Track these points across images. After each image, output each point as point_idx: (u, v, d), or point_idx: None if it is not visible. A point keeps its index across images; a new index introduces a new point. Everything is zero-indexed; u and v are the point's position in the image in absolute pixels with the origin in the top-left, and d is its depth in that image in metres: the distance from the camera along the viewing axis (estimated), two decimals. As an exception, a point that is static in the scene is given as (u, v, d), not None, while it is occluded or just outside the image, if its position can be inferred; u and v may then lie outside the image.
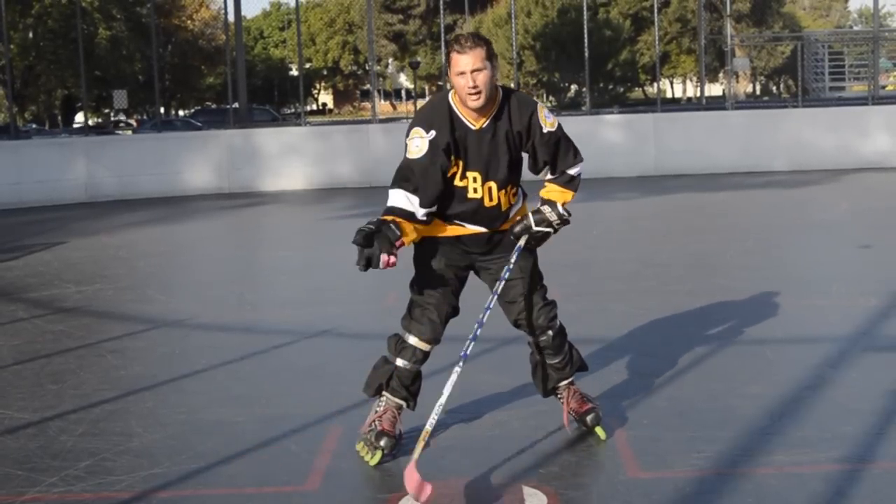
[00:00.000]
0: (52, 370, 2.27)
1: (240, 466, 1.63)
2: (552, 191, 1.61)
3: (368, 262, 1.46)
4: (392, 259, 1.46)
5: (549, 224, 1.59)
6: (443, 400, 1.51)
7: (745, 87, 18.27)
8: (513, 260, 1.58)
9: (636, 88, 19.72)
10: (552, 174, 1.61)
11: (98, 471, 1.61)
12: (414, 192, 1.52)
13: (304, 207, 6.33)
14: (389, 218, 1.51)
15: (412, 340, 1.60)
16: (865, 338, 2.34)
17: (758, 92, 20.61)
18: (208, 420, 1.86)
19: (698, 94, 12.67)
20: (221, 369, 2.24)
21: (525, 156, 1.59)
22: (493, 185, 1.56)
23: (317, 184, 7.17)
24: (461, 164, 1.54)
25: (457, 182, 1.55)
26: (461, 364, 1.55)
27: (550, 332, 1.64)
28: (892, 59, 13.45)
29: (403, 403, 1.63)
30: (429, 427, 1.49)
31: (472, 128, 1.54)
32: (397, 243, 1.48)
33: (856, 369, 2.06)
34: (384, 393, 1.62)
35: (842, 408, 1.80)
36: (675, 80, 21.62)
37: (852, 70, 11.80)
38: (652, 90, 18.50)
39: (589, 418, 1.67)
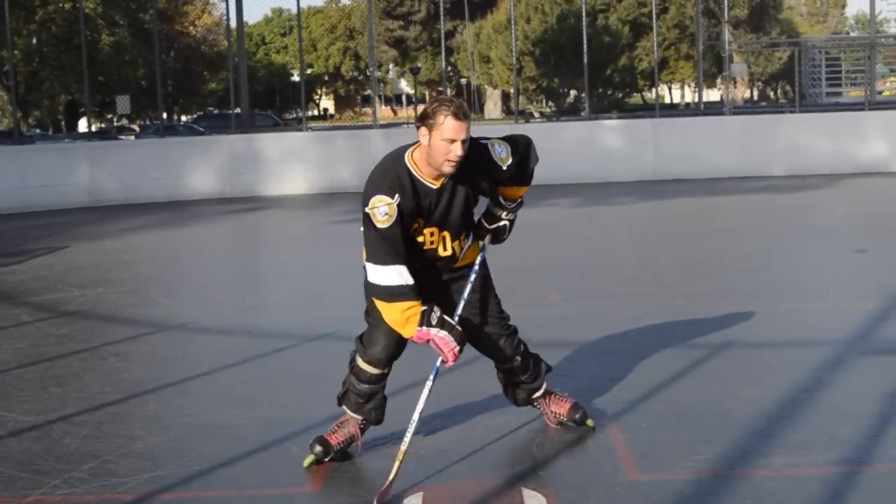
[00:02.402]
0: (55, 373, 2.29)
1: (242, 468, 1.64)
2: (508, 193, 1.63)
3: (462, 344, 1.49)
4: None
5: (500, 218, 1.62)
6: (415, 417, 1.51)
7: (742, 92, 18.39)
8: (471, 278, 1.56)
9: (635, 94, 19.80)
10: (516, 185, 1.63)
11: (101, 473, 1.62)
12: (398, 261, 1.47)
13: (305, 212, 6.36)
14: (423, 308, 1.47)
15: (361, 364, 1.59)
16: (862, 341, 2.35)
17: (755, 97, 20.75)
18: (210, 423, 1.88)
19: (696, 100, 12.76)
20: (223, 372, 2.26)
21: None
22: (447, 235, 1.56)
23: (318, 188, 7.20)
24: (421, 222, 1.53)
25: (416, 237, 1.54)
26: (432, 378, 1.55)
27: (518, 359, 1.64)
28: (889, 64, 13.52)
29: (361, 419, 1.62)
30: (404, 447, 1.50)
31: (433, 188, 1.51)
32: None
33: (853, 372, 2.07)
34: (343, 406, 1.63)
35: (839, 410, 1.82)
36: (673, 86, 21.70)
37: (849, 76, 11.86)
38: (650, 95, 18.55)
39: (577, 416, 1.69)
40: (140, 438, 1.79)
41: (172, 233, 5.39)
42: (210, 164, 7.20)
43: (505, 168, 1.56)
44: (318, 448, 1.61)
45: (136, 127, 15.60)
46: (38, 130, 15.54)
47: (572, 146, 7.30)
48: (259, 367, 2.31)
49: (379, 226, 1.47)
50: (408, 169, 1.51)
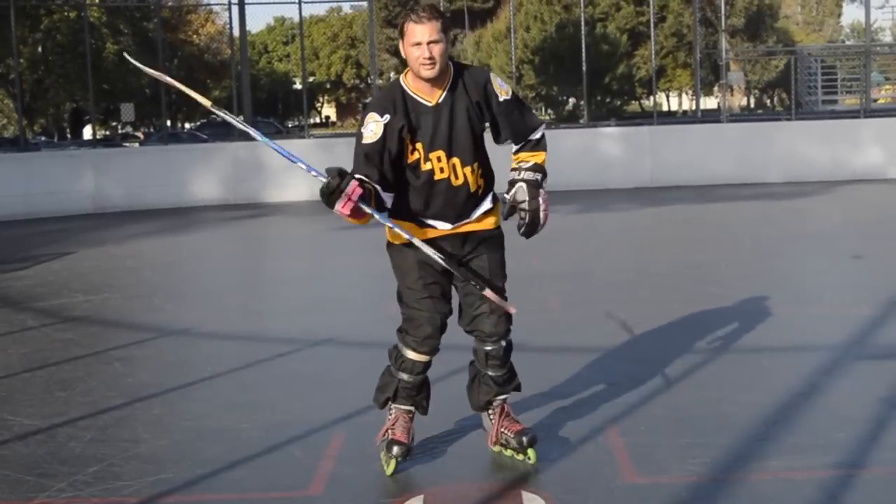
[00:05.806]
0: (60, 377, 2.31)
1: (245, 472, 1.65)
2: (521, 157, 1.56)
3: (333, 193, 1.40)
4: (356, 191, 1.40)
5: (514, 181, 1.52)
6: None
7: (739, 100, 18.48)
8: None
9: (633, 102, 19.86)
10: (517, 144, 1.57)
11: (106, 476, 1.64)
12: (371, 178, 1.46)
13: (307, 218, 6.37)
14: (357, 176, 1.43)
15: (410, 355, 1.56)
16: (857, 346, 2.38)
17: (752, 105, 20.81)
18: (214, 426, 1.89)
19: (694, 108, 12.77)
20: (227, 377, 2.28)
21: (486, 127, 1.52)
22: (457, 161, 1.50)
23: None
24: (421, 145, 1.48)
25: (422, 166, 1.49)
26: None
27: (503, 343, 1.58)
28: (884, 72, 13.64)
29: (413, 409, 1.61)
30: None
31: (429, 104, 1.48)
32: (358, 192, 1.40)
33: (848, 377, 2.09)
34: (392, 404, 1.62)
35: (835, 415, 1.83)
36: (670, 94, 21.79)
37: (845, 84, 11.94)
38: (648, 103, 18.58)
39: (525, 439, 1.60)
40: (144, 442, 1.81)
41: (176, 239, 5.41)
42: (213, 171, 7.26)
43: (501, 100, 1.51)
44: (396, 448, 1.57)
45: (139, 134, 15.68)
46: (43, 138, 15.62)
47: (571, 153, 7.31)
48: (262, 372, 2.33)
49: (364, 141, 1.48)
50: (402, 87, 1.51)
